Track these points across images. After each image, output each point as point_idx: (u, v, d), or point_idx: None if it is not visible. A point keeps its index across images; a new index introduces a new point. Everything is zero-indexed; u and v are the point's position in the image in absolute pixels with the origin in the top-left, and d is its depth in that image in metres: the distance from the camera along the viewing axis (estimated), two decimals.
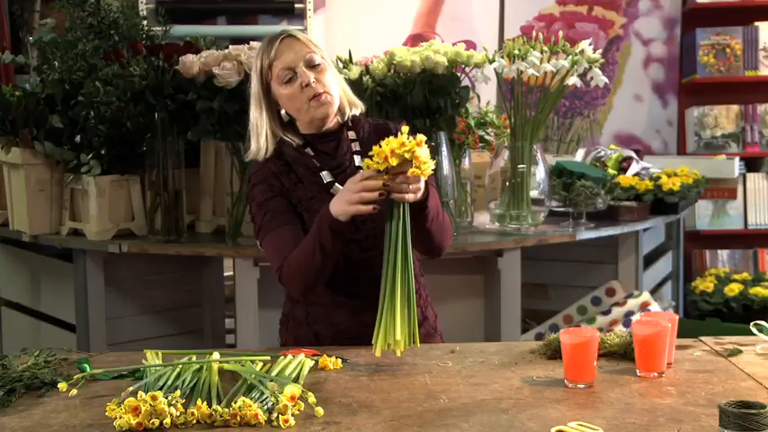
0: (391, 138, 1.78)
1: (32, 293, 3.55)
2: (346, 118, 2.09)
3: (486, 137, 3.28)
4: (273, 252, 2.01)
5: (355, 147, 2.08)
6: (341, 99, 2.06)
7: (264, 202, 2.03)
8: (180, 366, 1.72)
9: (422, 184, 1.85)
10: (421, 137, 1.79)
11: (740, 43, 4.81)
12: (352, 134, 2.09)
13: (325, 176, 2.04)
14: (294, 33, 2.04)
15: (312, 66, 2.00)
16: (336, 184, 2.03)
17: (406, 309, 1.79)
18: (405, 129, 1.78)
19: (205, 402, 1.54)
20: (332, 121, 2.07)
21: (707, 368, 1.82)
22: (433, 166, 1.82)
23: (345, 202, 1.86)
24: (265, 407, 1.53)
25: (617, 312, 3.34)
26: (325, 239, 1.90)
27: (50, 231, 3.25)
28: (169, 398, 1.52)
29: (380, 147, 1.77)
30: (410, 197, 1.82)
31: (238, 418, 1.51)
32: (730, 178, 4.69)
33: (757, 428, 1.33)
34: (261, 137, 2.04)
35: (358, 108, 2.10)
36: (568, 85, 3.02)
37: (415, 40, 4.71)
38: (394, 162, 1.76)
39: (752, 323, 2.00)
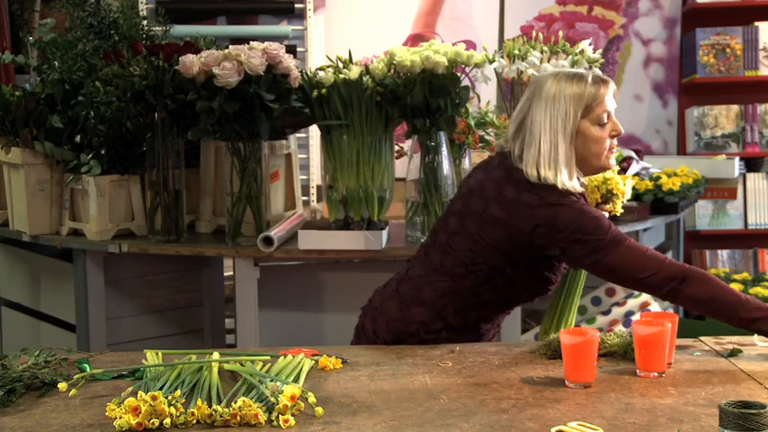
0: (610, 177, 2.19)
1: (32, 293, 3.55)
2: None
3: (486, 137, 3.27)
4: (646, 255, 1.98)
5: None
6: None
7: (599, 215, 2.03)
8: (180, 366, 1.72)
9: None
10: None
11: (740, 43, 4.81)
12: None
13: None
14: (611, 81, 2.11)
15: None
16: None
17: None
18: (617, 155, 2.22)
19: (205, 402, 1.54)
20: None
21: (707, 368, 1.82)
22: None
23: None
24: (265, 407, 1.53)
25: (617, 312, 3.34)
26: (764, 328, 1.89)
27: (50, 231, 3.25)
28: (169, 398, 1.52)
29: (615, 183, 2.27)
30: None
31: (238, 418, 1.51)
32: (730, 178, 4.69)
33: (757, 428, 1.33)
34: (571, 168, 2.04)
35: None
36: None
37: (415, 40, 4.71)
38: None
39: (755, 336, 2.01)
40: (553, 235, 2.00)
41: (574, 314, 2.32)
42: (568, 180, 2.02)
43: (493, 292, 2.10)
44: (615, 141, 2.11)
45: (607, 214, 2.28)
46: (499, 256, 2.06)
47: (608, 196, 2.20)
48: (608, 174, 2.20)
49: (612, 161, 2.11)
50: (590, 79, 2.06)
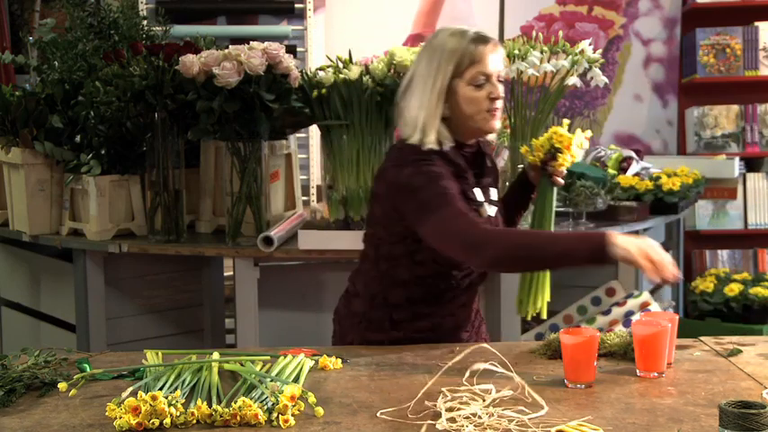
0: (554, 131, 2.09)
1: (32, 293, 3.55)
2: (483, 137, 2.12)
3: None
4: (464, 219, 1.90)
5: (488, 163, 2.13)
6: None
7: (442, 175, 1.95)
8: (180, 366, 1.72)
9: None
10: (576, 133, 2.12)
11: (740, 43, 4.81)
12: (486, 152, 2.15)
13: (478, 194, 2.05)
14: (498, 43, 2.02)
15: (500, 81, 2.02)
16: (485, 204, 2.06)
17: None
18: (566, 122, 2.13)
19: (205, 402, 1.54)
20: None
21: (707, 368, 1.82)
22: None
23: (638, 249, 1.79)
24: (265, 407, 1.53)
25: (617, 312, 3.34)
26: (581, 258, 1.83)
27: (50, 231, 3.25)
28: (169, 398, 1.52)
29: (559, 135, 2.11)
30: (560, 182, 2.15)
31: (238, 418, 1.51)
32: (730, 178, 4.69)
33: (757, 428, 1.33)
34: (432, 125, 1.98)
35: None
36: (568, 85, 3.02)
37: (415, 40, 4.71)
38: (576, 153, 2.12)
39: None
40: (396, 195, 1.97)
41: (547, 279, 2.20)
42: (425, 137, 1.97)
43: (406, 271, 2.05)
44: (499, 104, 2.00)
45: (562, 171, 2.15)
46: (386, 233, 2.04)
47: (552, 152, 2.13)
48: (553, 128, 2.14)
49: (496, 124, 2.02)
50: (470, 36, 1.97)
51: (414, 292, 2.07)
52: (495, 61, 1.99)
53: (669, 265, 1.80)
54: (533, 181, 2.24)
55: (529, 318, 2.22)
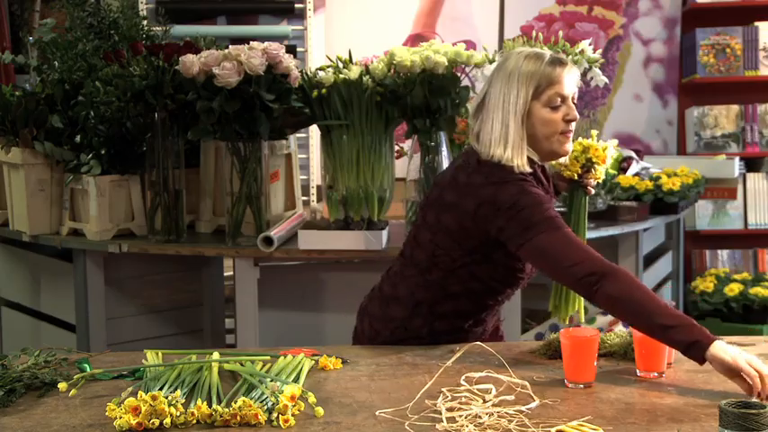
0: (589, 145, 2.17)
1: (32, 293, 3.55)
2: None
3: None
4: (576, 245, 1.90)
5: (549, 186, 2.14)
6: None
7: (546, 198, 1.98)
8: (180, 366, 1.72)
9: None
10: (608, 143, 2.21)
11: (740, 43, 4.81)
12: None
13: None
14: (573, 64, 2.05)
15: (574, 103, 2.04)
16: None
17: None
18: (594, 133, 2.20)
19: (205, 402, 1.54)
20: None
21: (707, 368, 1.82)
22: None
23: (741, 363, 1.67)
24: (265, 407, 1.53)
25: None
26: (680, 337, 1.74)
27: (50, 231, 3.25)
28: (169, 398, 1.52)
29: (594, 149, 2.18)
30: (591, 191, 2.23)
31: (238, 418, 1.51)
32: (730, 178, 4.69)
33: (757, 428, 1.33)
34: (521, 147, 1.99)
35: None
36: None
37: (415, 40, 4.71)
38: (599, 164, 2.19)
39: None
40: (493, 213, 1.95)
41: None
42: (517, 159, 1.98)
43: (459, 284, 2.05)
44: (572, 126, 2.03)
45: (594, 182, 2.21)
46: (454, 245, 2.02)
47: (588, 165, 2.17)
48: (586, 142, 2.17)
49: (569, 147, 2.05)
50: (547, 59, 2.00)
51: (463, 306, 2.08)
52: (570, 83, 2.02)
53: None
54: (563, 191, 2.29)
55: (566, 322, 2.25)
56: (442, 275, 2.05)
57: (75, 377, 1.74)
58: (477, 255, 2.01)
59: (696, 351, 1.71)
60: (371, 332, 2.16)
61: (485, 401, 1.61)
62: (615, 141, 2.23)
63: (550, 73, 1.99)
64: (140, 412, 1.49)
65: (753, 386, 1.64)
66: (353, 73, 2.87)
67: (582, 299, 2.19)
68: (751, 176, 4.89)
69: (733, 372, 1.67)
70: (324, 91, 2.92)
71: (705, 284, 4.53)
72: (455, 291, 2.06)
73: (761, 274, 4.72)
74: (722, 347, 1.69)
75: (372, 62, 2.96)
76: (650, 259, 3.90)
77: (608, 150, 2.18)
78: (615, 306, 1.84)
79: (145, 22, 3.62)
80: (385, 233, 2.93)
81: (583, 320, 2.29)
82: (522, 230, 1.92)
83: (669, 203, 3.67)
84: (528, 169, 2.00)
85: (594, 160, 2.17)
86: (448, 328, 2.09)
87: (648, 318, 1.77)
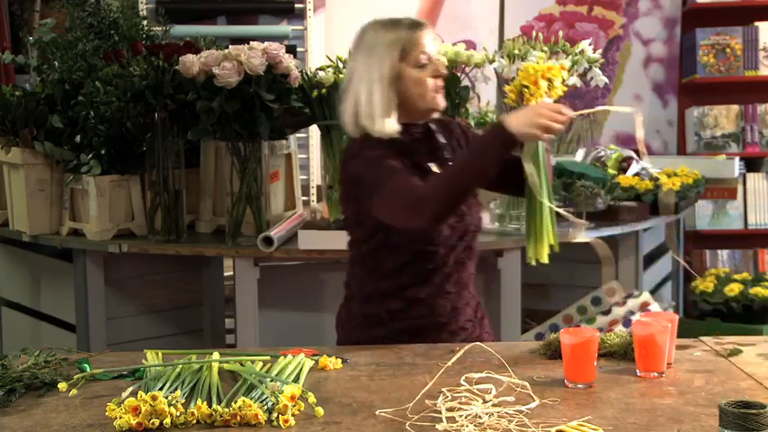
0: (538, 64, 2.05)
1: (32, 293, 3.55)
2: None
3: None
4: (403, 185, 1.96)
5: (441, 139, 2.17)
6: None
7: (383, 155, 2.01)
8: (180, 366, 1.72)
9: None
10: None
11: (740, 43, 4.81)
12: (435, 130, 2.18)
13: (433, 167, 2.08)
14: (429, 24, 2.14)
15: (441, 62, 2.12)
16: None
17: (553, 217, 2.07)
18: (540, 56, 2.19)
19: (205, 402, 1.54)
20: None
21: (707, 368, 1.82)
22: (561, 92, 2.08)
23: (529, 121, 1.90)
24: (265, 407, 1.53)
25: (617, 312, 3.34)
26: (492, 155, 1.90)
27: (50, 231, 3.25)
28: (169, 398, 1.52)
29: (526, 71, 2.03)
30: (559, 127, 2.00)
31: (238, 418, 1.51)
32: (730, 178, 4.68)
33: (757, 428, 1.33)
34: (387, 115, 2.05)
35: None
36: (568, 85, 3.02)
37: None
38: (544, 85, 2.00)
39: None
40: (350, 191, 2.07)
41: (546, 222, 2.07)
42: (386, 125, 2.04)
43: (388, 260, 2.09)
44: (441, 82, 2.10)
45: (550, 100, 2.05)
46: (361, 230, 2.11)
47: (523, 90, 2.03)
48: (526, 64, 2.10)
49: (441, 101, 2.10)
50: (405, 23, 2.10)
51: (402, 280, 2.10)
52: (431, 42, 2.11)
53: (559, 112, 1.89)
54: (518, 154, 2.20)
55: (533, 263, 2.09)
56: (373, 260, 2.11)
57: (75, 377, 1.74)
58: (381, 229, 2.06)
59: (508, 142, 1.91)
60: (343, 335, 2.22)
61: (485, 401, 1.61)
62: (567, 63, 2.11)
63: (412, 35, 2.08)
64: (140, 412, 1.49)
65: (551, 123, 1.88)
66: None
67: (553, 232, 2.09)
68: (751, 176, 4.89)
69: (529, 120, 1.89)
70: (324, 91, 2.92)
71: (705, 284, 4.53)
72: (389, 268, 2.10)
73: (761, 274, 4.72)
74: (513, 123, 1.90)
75: None
76: (650, 259, 3.90)
77: (554, 70, 2.03)
78: (444, 206, 1.95)
79: (145, 22, 3.62)
80: None
81: (545, 260, 2.07)
82: (369, 195, 2.01)
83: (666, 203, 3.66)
84: (392, 130, 2.04)
85: (525, 83, 2.03)
86: (403, 306, 2.10)
87: (461, 175, 1.94)
